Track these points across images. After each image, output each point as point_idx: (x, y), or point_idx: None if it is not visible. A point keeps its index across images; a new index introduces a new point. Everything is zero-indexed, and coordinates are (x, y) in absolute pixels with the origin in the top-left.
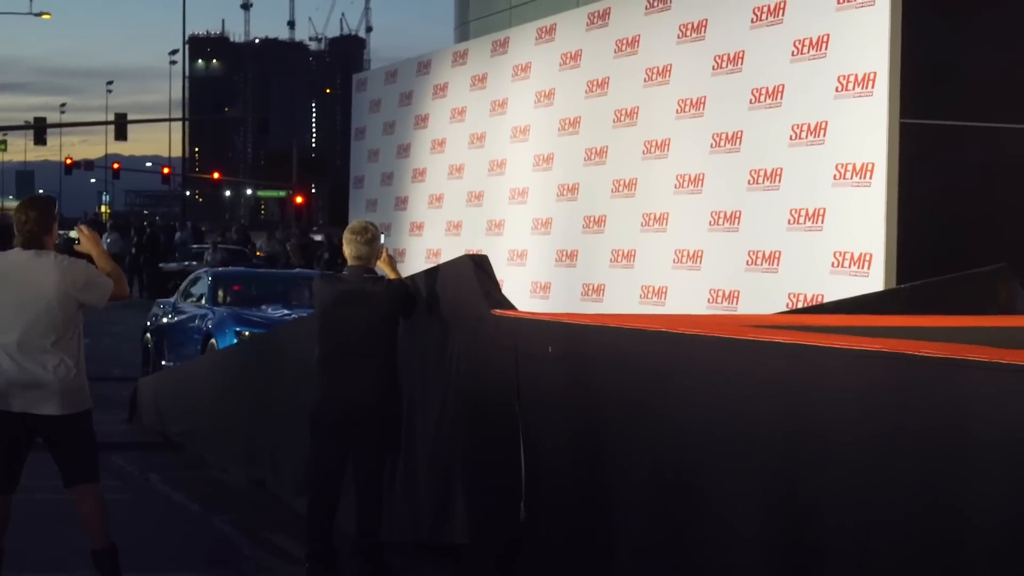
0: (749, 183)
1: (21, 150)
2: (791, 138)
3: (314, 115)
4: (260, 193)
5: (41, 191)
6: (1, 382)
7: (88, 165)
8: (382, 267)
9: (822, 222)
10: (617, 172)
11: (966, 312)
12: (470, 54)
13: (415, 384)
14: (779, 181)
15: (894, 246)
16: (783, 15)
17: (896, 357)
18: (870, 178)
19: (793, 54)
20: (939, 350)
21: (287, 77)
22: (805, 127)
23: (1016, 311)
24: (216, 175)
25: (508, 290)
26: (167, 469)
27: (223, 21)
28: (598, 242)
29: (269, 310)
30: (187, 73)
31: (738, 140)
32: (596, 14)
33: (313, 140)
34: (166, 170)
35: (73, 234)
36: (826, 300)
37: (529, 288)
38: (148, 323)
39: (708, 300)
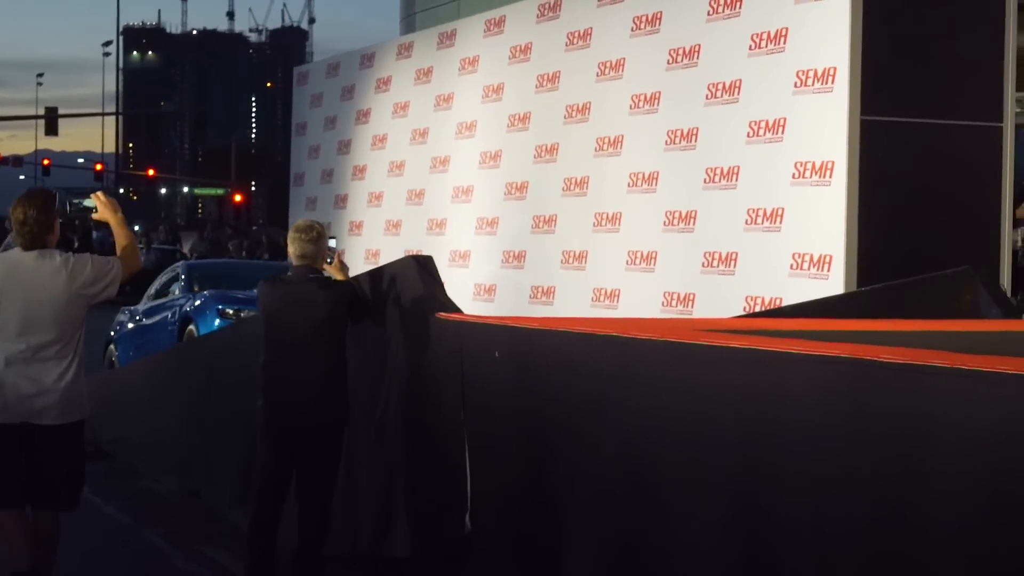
0: (705, 182)
1: None
2: (748, 135)
3: (254, 110)
4: (197, 191)
5: None
6: (8, 392)
7: (17, 161)
8: (331, 272)
9: (780, 222)
10: (568, 170)
11: (928, 316)
12: (415, 47)
13: (355, 390)
14: (736, 180)
15: (855, 247)
16: (740, 8)
17: (855, 363)
18: (830, 177)
19: (751, 48)
20: (899, 355)
21: (226, 70)
22: (763, 124)
23: (980, 315)
24: (151, 172)
25: (450, 292)
26: (97, 479)
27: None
28: (548, 243)
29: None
30: (121, 65)
31: (694, 137)
32: (547, 6)
33: (253, 135)
34: (99, 167)
35: (88, 202)
36: (784, 303)
37: (472, 291)
38: (111, 333)
39: (662, 303)
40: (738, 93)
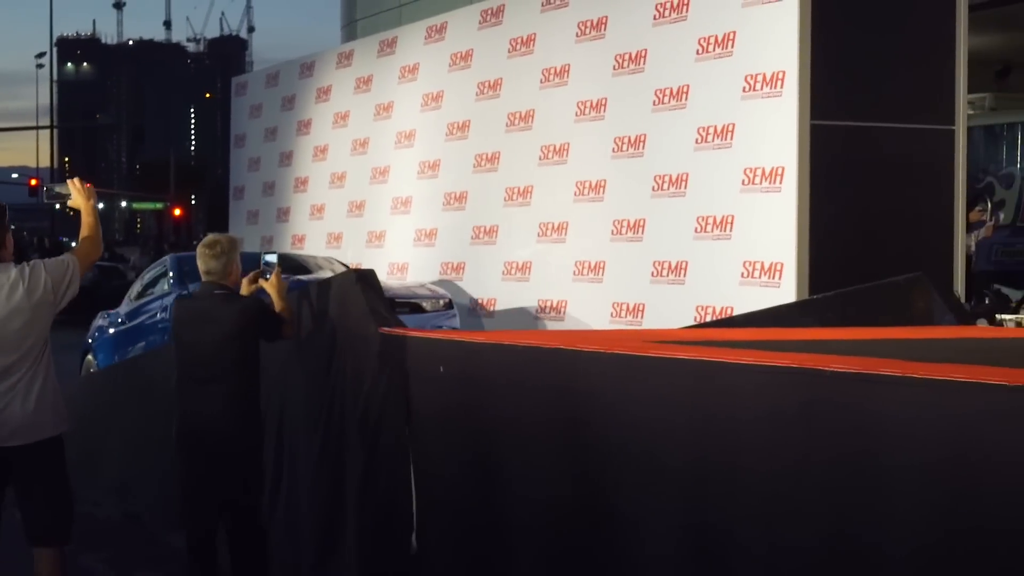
0: (653, 190)
1: None
2: (697, 141)
3: (193, 121)
4: (135, 205)
5: None
6: None
7: None
8: (267, 288)
9: (730, 230)
10: (510, 179)
11: (881, 324)
12: (355, 55)
13: (296, 408)
14: (685, 187)
15: (806, 255)
16: (687, 12)
17: (806, 373)
18: (780, 183)
19: (698, 53)
20: (851, 364)
21: (164, 81)
22: (711, 130)
23: (933, 322)
24: (88, 186)
25: None
26: None
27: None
28: (489, 254)
29: None
30: (55, 77)
31: (641, 144)
32: (489, 11)
33: (192, 148)
34: (33, 182)
35: (61, 188)
36: (735, 313)
37: None
38: (89, 340)
39: (611, 314)
40: (686, 99)
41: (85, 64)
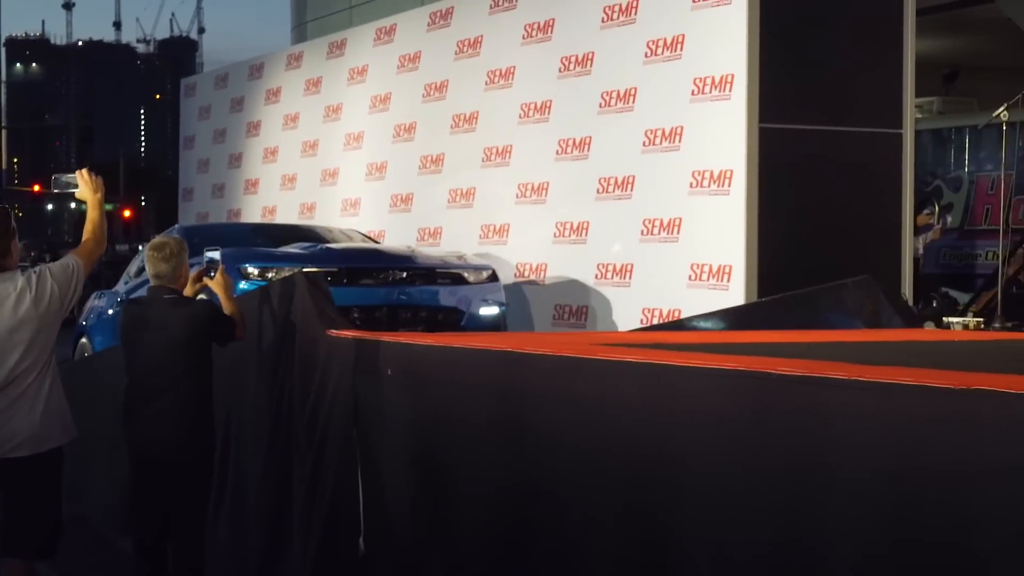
0: (599, 192)
1: None
2: (644, 144)
3: (143, 122)
4: (84, 207)
5: None
6: None
7: None
8: (213, 287)
9: (678, 233)
10: (454, 181)
11: (829, 326)
12: (305, 57)
13: (242, 412)
14: (631, 190)
15: (755, 258)
16: (635, 15)
17: (754, 376)
18: (729, 186)
19: (646, 55)
20: (798, 367)
21: (113, 82)
22: (659, 132)
23: (881, 324)
24: (36, 188)
25: None
26: None
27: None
28: None
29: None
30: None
31: (586, 146)
32: (438, 13)
33: (142, 149)
34: None
35: (68, 177)
36: (683, 315)
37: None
38: (83, 323)
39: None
40: (633, 101)
41: (34, 64)
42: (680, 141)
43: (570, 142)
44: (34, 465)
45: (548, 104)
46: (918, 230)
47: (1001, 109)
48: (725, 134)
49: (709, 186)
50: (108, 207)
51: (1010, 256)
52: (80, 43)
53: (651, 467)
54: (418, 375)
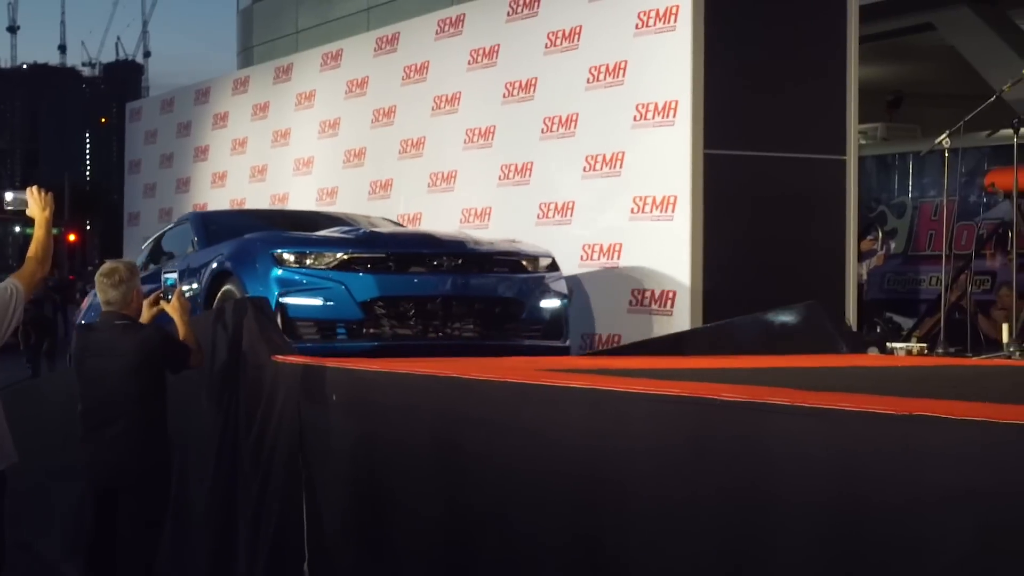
0: (539, 217)
1: None
2: (585, 169)
3: (88, 146)
4: (29, 230)
5: None
6: None
7: None
8: (169, 311)
9: (618, 258)
10: (403, 206)
11: (773, 352)
12: (251, 81)
13: (190, 437)
14: (571, 215)
15: (699, 283)
16: (579, 40)
17: (697, 402)
18: (672, 211)
19: (589, 81)
20: (741, 393)
21: (58, 105)
22: (600, 158)
23: (824, 350)
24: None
25: None
26: None
27: None
28: None
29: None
30: None
31: (528, 172)
32: (384, 39)
33: (88, 173)
34: None
35: (16, 195)
36: (624, 340)
37: None
38: (82, 321)
39: None
40: (575, 127)
41: None
42: (621, 167)
43: (512, 167)
44: None
45: (492, 129)
46: (862, 255)
47: (943, 136)
48: (669, 160)
49: (651, 211)
50: (53, 231)
51: (953, 282)
52: (25, 66)
53: (595, 492)
54: (363, 400)
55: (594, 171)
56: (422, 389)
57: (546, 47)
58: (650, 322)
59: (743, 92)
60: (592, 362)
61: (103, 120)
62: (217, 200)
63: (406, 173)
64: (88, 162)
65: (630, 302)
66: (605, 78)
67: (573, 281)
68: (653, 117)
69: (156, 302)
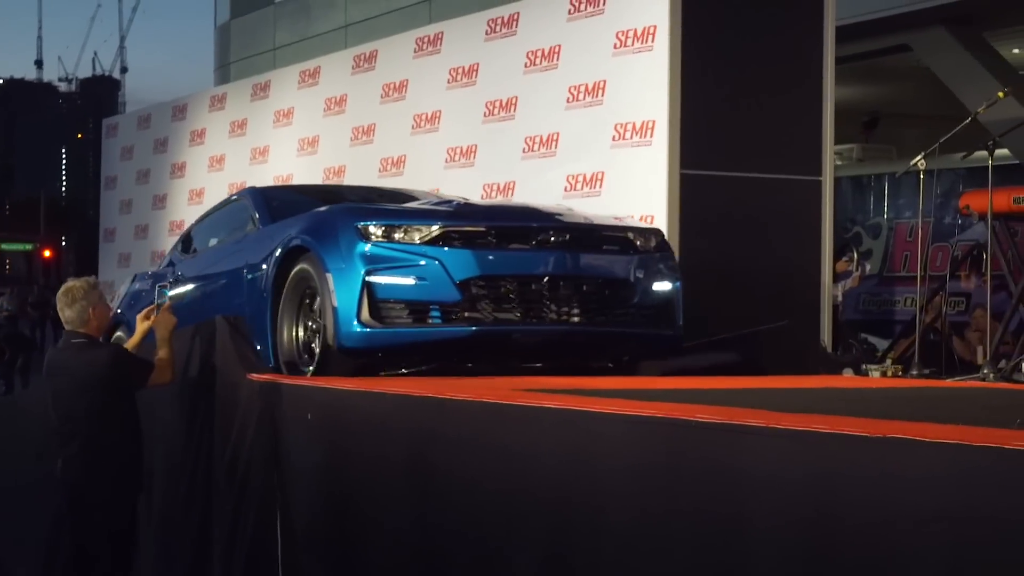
0: None
1: None
2: (567, 188)
3: (64, 161)
4: (4, 246)
5: None
6: None
7: None
8: (155, 330)
9: None
10: None
11: (749, 372)
12: (229, 98)
13: (162, 458)
14: None
15: None
16: (558, 60)
17: (672, 423)
18: None
19: (568, 100)
20: (715, 414)
21: (35, 120)
22: (581, 177)
23: (800, 371)
24: None
25: None
26: None
27: None
28: None
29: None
30: None
31: (510, 190)
32: (362, 57)
33: (64, 188)
34: None
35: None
36: None
37: None
38: (118, 310)
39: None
40: (555, 146)
41: None
42: (601, 186)
43: (495, 186)
44: None
45: (473, 148)
46: (837, 276)
47: (919, 158)
48: (646, 180)
49: None
50: (28, 247)
51: (927, 303)
52: (1, 81)
53: (569, 513)
54: (338, 419)
55: (574, 190)
56: (396, 408)
57: (525, 66)
58: None
59: (720, 112)
60: (567, 381)
61: (79, 135)
62: (194, 216)
63: None
64: (64, 177)
65: None
66: (584, 97)
67: None
68: (631, 137)
69: (148, 316)
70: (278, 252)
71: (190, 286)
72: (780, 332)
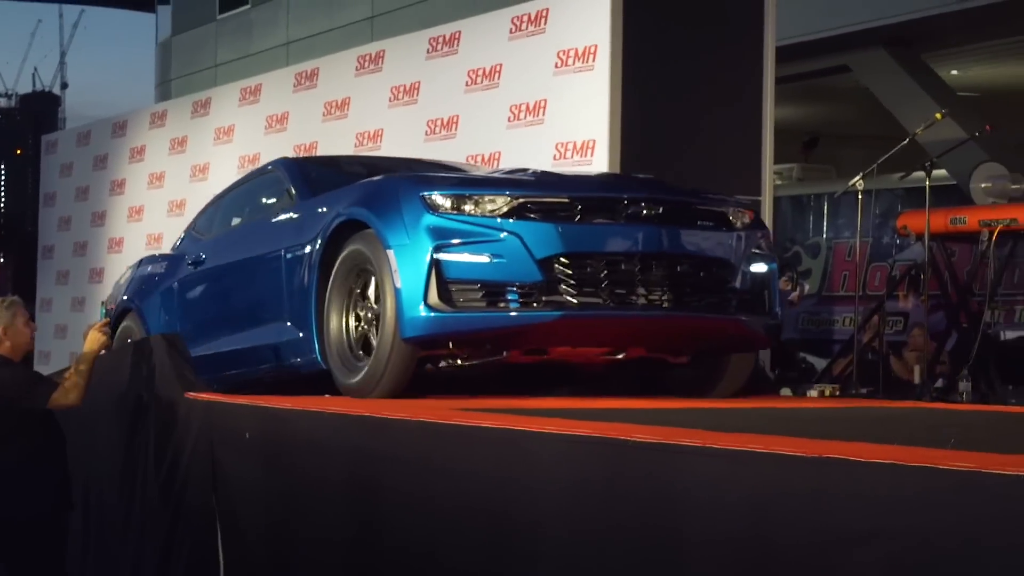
0: None
1: None
2: None
3: (3, 177)
4: None
5: None
6: None
7: None
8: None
9: None
10: None
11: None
12: (169, 115)
13: (99, 479)
14: None
15: None
16: (499, 79)
17: (608, 442)
18: None
19: (510, 120)
20: (652, 434)
21: None
22: None
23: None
24: None
25: None
26: None
27: None
28: None
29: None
30: None
31: None
32: (304, 74)
33: (2, 204)
34: None
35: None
36: None
37: None
38: (124, 297)
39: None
40: (497, 165)
41: None
42: None
43: None
44: None
45: None
46: None
47: (857, 178)
48: None
49: None
50: None
51: (865, 323)
52: None
53: (508, 531)
54: (276, 439)
55: None
56: (334, 427)
57: (467, 85)
58: None
59: (659, 132)
60: (506, 401)
61: (18, 151)
62: (134, 234)
63: None
64: (2, 194)
65: None
66: (526, 116)
67: None
68: (572, 156)
69: (101, 330)
70: (326, 229)
71: (215, 271)
72: None
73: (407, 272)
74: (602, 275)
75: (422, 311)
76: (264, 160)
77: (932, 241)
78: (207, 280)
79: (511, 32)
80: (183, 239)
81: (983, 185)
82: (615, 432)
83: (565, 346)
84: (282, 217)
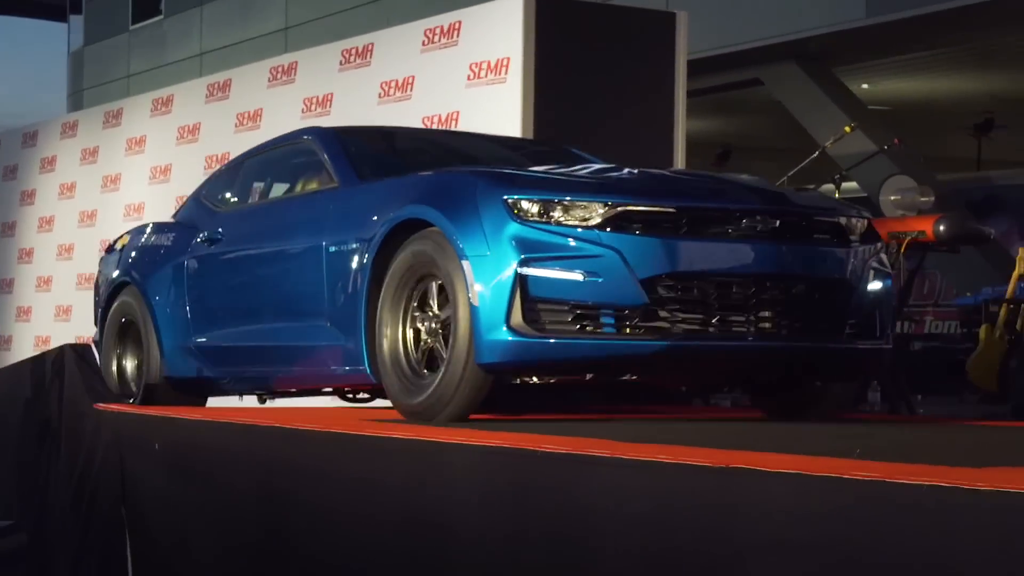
0: None
1: None
2: None
3: None
4: None
5: None
6: None
7: None
8: None
9: None
10: None
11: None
12: (80, 125)
13: (8, 492)
14: None
15: None
16: (411, 91)
17: (517, 453)
18: None
19: None
20: (561, 445)
21: None
22: None
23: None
24: None
25: None
26: None
27: None
28: None
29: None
30: None
31: None
32: (216, 85)
33: None
34: None
35: None
36: None
37: None
38: (115, 273)
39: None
40: None
41: None
42: None
43: None
44: None
45: None
46: None
47: None
48: None
49: None
50: None
51: None
52: None
53: (418, 543)
54: (185, 450)
55: None
56: (243, 438)
57: (380, 96)
58: None
59: (572, 143)
60: None
61: None
62: (44, 244)
63: None
64: None
65: None
66: (438, 127)
67: None
68: None
69: None
70: (382, 227)
71: (239, 256)
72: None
73: (487, 287)
74: (712, 299)
75: (504, 333)
76: (176, 172)
77: None
78: (228, 263)
79: (424, 44)
80: (189, 207)
81: (892, 198)
82: (524, 443)
83: (665, 379)
84: (323, 203)
